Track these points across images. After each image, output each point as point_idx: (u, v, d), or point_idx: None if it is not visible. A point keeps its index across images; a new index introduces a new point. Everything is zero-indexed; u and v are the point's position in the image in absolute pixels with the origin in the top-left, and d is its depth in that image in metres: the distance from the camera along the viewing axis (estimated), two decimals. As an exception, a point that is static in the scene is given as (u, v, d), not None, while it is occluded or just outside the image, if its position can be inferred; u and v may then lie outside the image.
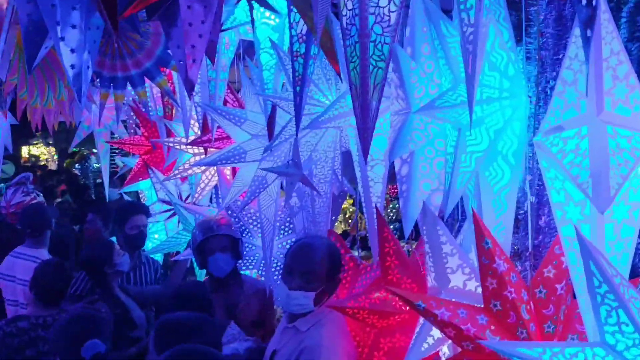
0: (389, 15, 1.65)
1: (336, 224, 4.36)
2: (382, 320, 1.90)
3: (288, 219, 2.99)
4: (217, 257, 2.83)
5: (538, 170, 1.82)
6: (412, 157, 1.83)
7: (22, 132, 3.69)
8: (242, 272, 3.18)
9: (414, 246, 3.89)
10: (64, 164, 9.87)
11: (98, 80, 2.34)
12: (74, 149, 8.27)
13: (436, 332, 1.69)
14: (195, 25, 1.62)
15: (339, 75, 1.57)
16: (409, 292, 1.81)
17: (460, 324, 1.56)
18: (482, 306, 1.61)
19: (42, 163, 10.99)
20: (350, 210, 4.97)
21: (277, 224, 2.93)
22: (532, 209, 1.82)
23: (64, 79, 2.51)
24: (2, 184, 5.65)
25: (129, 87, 2.38)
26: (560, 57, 1.85)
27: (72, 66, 1.48)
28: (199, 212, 3.35)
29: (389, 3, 1.66)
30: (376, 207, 2.00)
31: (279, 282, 3.11)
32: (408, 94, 1.78)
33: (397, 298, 1.88)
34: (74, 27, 1.47)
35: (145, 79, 2.38)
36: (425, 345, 1.67)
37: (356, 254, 4.34)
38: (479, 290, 1.69)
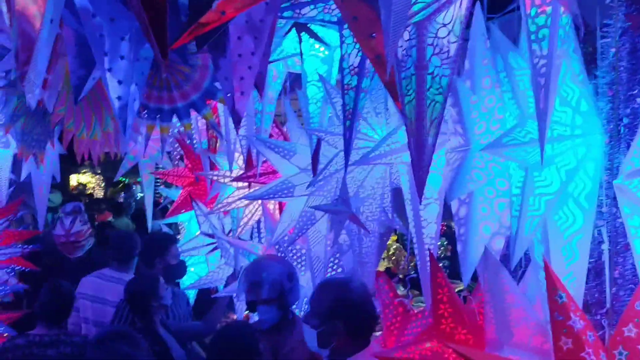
0: (449, 47, 1.55)
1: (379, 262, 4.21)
2: None
3: (334, 258, 2.88)
4: (259, 310, 2.72)
5: (611, 216, 1.66)
6: (471, 197, 1.69)
7: (72, 161, 3.80)
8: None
9: (460, 286, 3.71)
10: (108, 193, 10.08)
11: (145, 111, 2.32)
12: (121, 178, 8.45)
13: (499, 393, 1.53)
14: (245, 57, 1.57)
15: (401, 111, 1.46)
16: (466, 347, 1.65)
17: (528, 388, 1.40)
18: (551, 366, 1.45)
19: (89, 192, 11.25)
20: (394, 247, 4.80)
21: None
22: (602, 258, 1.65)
23: (110, 111, 2.51)
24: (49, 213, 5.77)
25: (175, 119, 2.35)
26: (634, 92, 1.71)
27: (119, 98, 1.43)
28: (243, 247, 3.28)
29: (449, 34, 1.56)
30: (430, 251, 1.86)
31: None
32: (468, 129, 1.66)
33: (450, 350, 1.73)
34: (122, 58, 1.43)
35: (192, 111, 2.35)
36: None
37: (401, 290, 4.15)
38: (546, 346, 1.53)
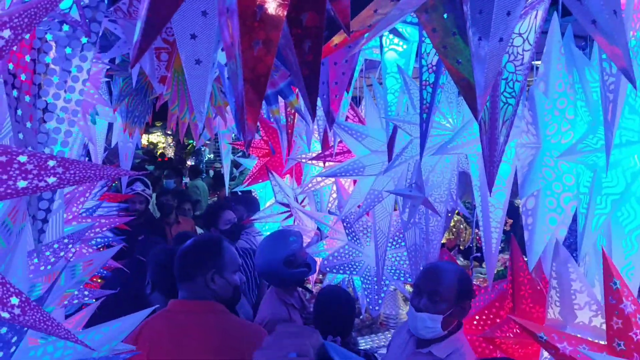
0: (523, 54, 1.71)
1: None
2: (523, 348, 1.96)
3: (397, 234, 3.11)
4: None
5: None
6: (539, 191, 1.87)
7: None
8: (350, 277, 3.35)
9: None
10: (183, 156, 10.63)
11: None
12: (190, 141, 8.92)
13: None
14: (340, 65, 1.78)
15: (476, 116, 1.64)
16: (535, 323, 1.85)
17: (581, 359, 1.60)
18: (605, 343, 1.64)
19: (160, 151, 11.88)
20: (455, 219, 4.98)
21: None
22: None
23: (211, 99, 2.78)
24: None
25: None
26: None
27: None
28: (315, 217, 3.55)
29: (523, 42, 1.72)
30: (513, 238, 2.06)
31: (383, 294, 3.24)
32: (540, 130, 1.82)
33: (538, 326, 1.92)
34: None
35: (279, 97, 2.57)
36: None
37: (461, 261, 4.33)
38: (604, 327, 1.71)
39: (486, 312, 2.19)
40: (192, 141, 9.42)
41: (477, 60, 1.11)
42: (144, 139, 12.45)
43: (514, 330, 1.95)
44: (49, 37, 1.56)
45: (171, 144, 11.81)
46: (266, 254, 3.02)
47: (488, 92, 1.14)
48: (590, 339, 1.68)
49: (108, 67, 2.74)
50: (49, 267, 1.74)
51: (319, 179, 3.36)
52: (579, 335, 1.69)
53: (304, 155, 3.40)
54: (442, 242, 4.92)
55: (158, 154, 11.52)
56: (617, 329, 1.60)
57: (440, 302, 2.07)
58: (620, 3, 0.95)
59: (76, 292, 1.87)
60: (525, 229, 1.86)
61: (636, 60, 1.64)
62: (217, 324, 2.02)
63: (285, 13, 0.72)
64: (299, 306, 2.99)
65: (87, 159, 3.89)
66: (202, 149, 10.39)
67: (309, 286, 3.52)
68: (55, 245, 1.76)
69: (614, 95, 1.45)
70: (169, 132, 11.42)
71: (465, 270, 2.25)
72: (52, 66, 1.63)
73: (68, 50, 1.64)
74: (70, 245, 1.82)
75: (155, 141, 12.38)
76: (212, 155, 10.40)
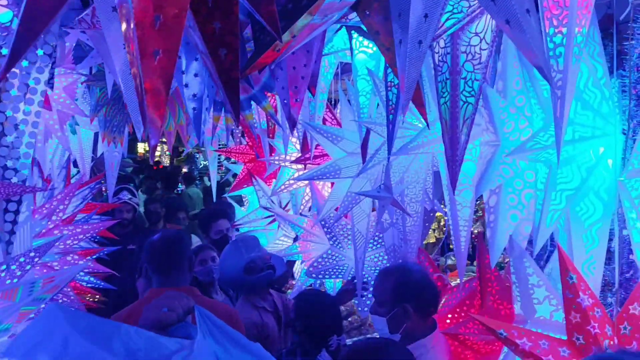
0: (480, 53, 1.72)
1: (429, 232, 4.43)
2: (487, 346, 1.97)
3: (377, 234, 3.12)
4: None
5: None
6: (500, 188, 1.88)
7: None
8: (330, 280, 3.36)
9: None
10: (174, 163, 10.65)
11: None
12: (183, 148, 8.95)
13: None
14: (298, 69, 1.80)
15: (426, 120, 1.67)
16: (499, 321, 1.86)
17: (541, 354, 1.61)
18: (565, 338, 1.65)
19: (156, 159, 11.91)
20: (445, 218, 4.98)
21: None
22: (624, 243, 1.81)
23: (183, 106, 2.80)
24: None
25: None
26: (658, 90, 1.82)
27: (194, 109, 1.71)
28: (290, 220, 3.56)
29: (480, 42, 1.73)
30: (480, 234, 2.07)
31: (365, 292, 3.25)
32: (497, 129, 1.84)
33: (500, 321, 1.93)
34: (196, 75, 1.69)
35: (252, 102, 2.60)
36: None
37: (452, 260, 4.33)
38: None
39: (458, 310, 2.20)
40: (185, 148, 9.48)
41: (399, 63, 1.13)
42: (141, 147, 12.50)
43: (479, 327, 1.96)
44: (4, 51, 1.59)
45: (167, 152, 11.87)
46: (226, 265, 3.07)
47: (411, 93, 1.16)
48: (551, 335, 1.69)
49: (83, 77, 2.76)
50: (15, 280, 1.75)
51: (292, 180, 3.37)
52: (540, 331, 1.70)
53: (283, 157, 3.42)
54: (431, 241, 4.92)
55: (155, 161, 11.57)
56: (576, 322, 1.61)
57: (381, 304, 2.11)
58: (533, 2, 0.97)
59: (35, 309, 1.86)
60: (487, 226, 1.88)
61: (587, 51, 1.66)
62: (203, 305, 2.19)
63: (184, 22, 0.74)
64: (272, 309, 3.00)
65: (75, 168, 3.92)
66: (197, 157, 10.43)
67: (289, 292, 3.53)
68: (22, 259, 1.78)
69: (562, 91, 1.46)
70: (163, 140, 11.46)
71: (414, 271, 2.20)
72: (9, 80, 1.66)
73: (25, 63, 1.67)
74: (37, 259, 1.83)
75: (151, 149, 12.42)
76: (206, 162, 10.46)
